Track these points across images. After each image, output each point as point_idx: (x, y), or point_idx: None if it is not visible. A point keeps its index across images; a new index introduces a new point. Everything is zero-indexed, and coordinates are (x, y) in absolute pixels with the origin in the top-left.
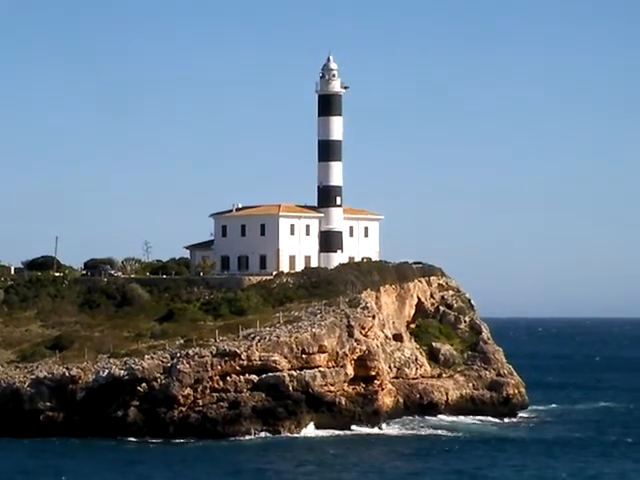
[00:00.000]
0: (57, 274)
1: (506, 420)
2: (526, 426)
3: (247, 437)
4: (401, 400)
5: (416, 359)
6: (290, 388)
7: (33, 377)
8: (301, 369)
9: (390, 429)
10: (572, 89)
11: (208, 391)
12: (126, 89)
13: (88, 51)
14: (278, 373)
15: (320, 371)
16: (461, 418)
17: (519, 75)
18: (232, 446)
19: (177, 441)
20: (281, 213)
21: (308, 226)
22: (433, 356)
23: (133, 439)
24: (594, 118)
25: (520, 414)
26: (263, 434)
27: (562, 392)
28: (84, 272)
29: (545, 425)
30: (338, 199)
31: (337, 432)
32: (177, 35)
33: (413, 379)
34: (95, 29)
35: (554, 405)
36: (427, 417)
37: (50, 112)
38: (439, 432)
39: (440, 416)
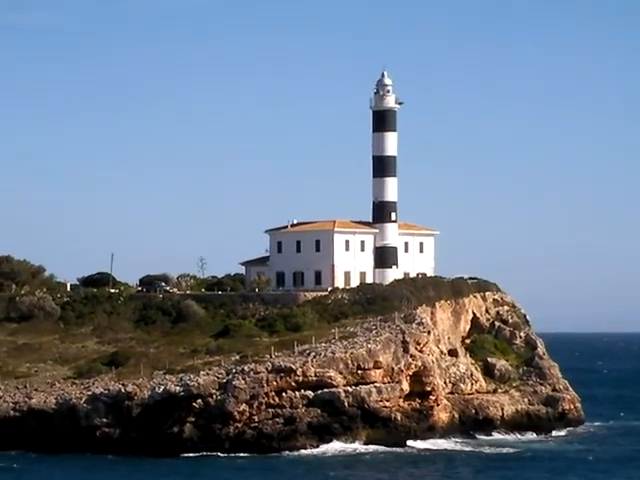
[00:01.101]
0: (113, 290)
1: (562, 434)
2: (584, 441)
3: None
4: (456, 415)
5: (471, 374)
6: (345, 404)
7: (89, 393)
8: (356, 385)
9: (446, 444)
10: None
11: (264, 407)
12: (191, 108)
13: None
14: (333, 389)
15: (375, 387)
16: (517, 435)
17: (579, 90)
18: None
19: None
20: (336, 229)
21: (363, 242)
22: (488, 371)
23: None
24: None
25: (576, 429)
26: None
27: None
28: (139, 288)
29: (607, 440)
30: (393, 215)
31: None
32: (230, 51)
33: (468, 394)
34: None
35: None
36: (483, 436)
37: (107, 128)
38: (500, 449)
39: (495, 434)
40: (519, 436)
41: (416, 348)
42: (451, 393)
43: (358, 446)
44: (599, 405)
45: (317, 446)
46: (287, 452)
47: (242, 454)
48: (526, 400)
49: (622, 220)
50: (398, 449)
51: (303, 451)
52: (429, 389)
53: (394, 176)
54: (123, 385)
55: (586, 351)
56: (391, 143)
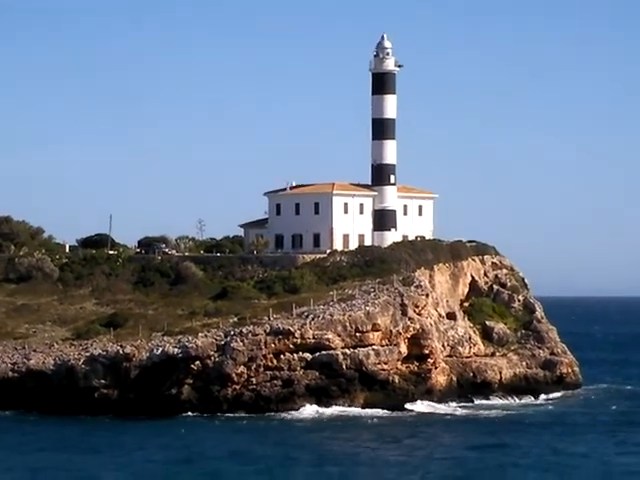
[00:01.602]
0: (111, 252)
1: (558, 397)
2: (583, 404)
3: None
4: (454, 379)
5: (469, 338)
6: (343, 366)
7: (88, 354)
8: (354, 347)
9: (445, 407)
10: None
11: (262, 369)
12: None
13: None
14: (332, 351)
15: (373, 349)
16: (515, 398)
17: (587, 54)
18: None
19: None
20: (335, 192)
21: (362, 204)
22: (487, 335)
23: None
24: None
25: (574, 392)
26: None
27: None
28: (138, 250)
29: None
30: (392, 177)
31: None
32: (234, 10)
33: (466, 358)
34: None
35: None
36: (482, 400)
37: (97, 87)
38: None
39: (494, 395)
40: (517, 400)
41: (414, 311)
42: (449, 356)
43: (356, 409)
44: (594, 368)
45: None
46: (284, 414)
47: (240, 414)
48: (524, 363)
49: (624, 181)
50: (398, 413)
51: (300, 413)
52: (427, 352)
53: (393, 139)
54: (121, 346)
55: (583, 314)
56: (390, 106)
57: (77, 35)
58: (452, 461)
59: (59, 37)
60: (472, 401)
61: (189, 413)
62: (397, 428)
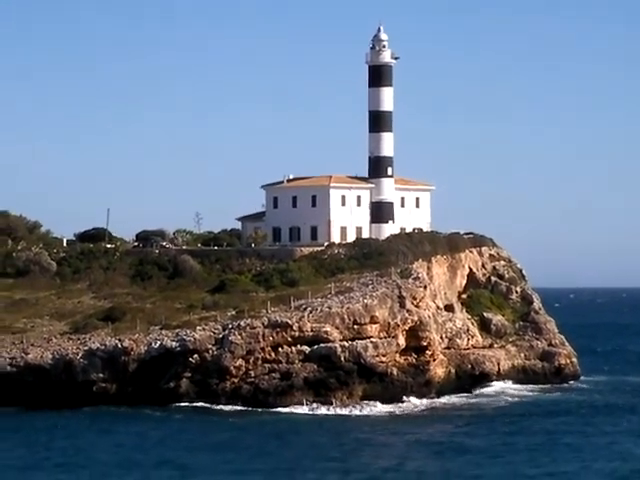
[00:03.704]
0: (109, 246)
1: (560, 386)
2: (583, 394)
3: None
4: (453, 371)
5: (468, 330)
6: (342, 359)
7: (86, 348)
8: (353, 340)
9: (443, 399)
10: None
11: (260, 362)
12: (181, 60)
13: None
14: (330, 344)
15: (372, 342)
16: (514, 386)
17: (581, 45)
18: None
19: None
20: (332, 184)
21: (359, 197)
22: (485, 326)
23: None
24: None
25: (572, 383)
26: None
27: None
28: (136, 244)
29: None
30: (389, 170)
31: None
32: (232, 4)
33: (465, 349)
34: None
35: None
36: (482, 386)
37: (93, 78)
38: (496, 401)
39: (494, 384)
40: (517, 390)
41: (412, 303)
42: (447, 348)
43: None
44: None
45: (313, 401)
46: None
47: (238, 407)
48: (522, 355)
49: (621, 176)
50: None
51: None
52: (425, 344)
53: (390, 131)
54: (119, 340)
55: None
56: (387, 98)
57: (79, 29)
58: None
59: (63, 30)
60: (470, 392)
61: (186, 404)
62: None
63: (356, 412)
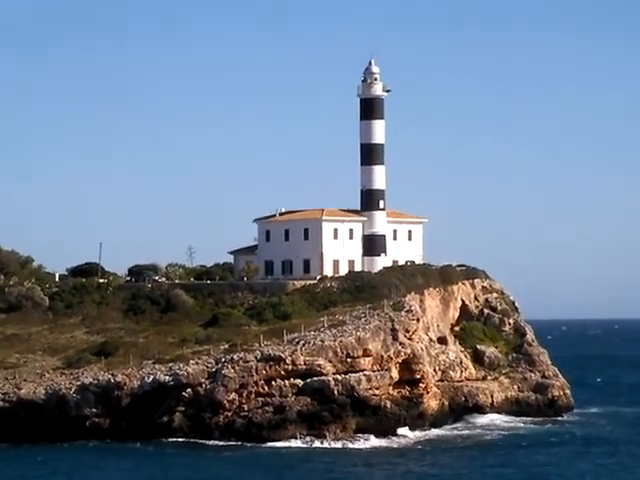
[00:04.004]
0: (101, 280)
1: (554, 419)
2: (575, 427)
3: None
4: (446, 403)
5: (461, 362)
6: (335, 392)
7: (79, 383)
8: (346, 373)
9: (436, 431)
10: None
11: (253, 396)
12: (177, 98)
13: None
14: (323, 377)
15: (365, 375)
16: (507, 418)
17: (576, 78)
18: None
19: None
20: (324, 217)
21: (351, 230)
22: (478, 359)
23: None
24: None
25: (566, 416)
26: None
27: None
28: (128, 278)
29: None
30: (381, 202)
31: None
32: (224, 38)
33: (458, 382)
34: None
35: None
36: (475, 418)
37: (87, 115)
38: (489, 434)
39: (486, 416)
40: (510, 420)
41: (405, 336)
42: (441, 380)
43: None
44: None
45: (307, 435)
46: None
47: (231, 442)
48: (516, 387)
49: (615, 207)
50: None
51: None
52: (419, 377)
53: (382, 164)
54: (112, 375)
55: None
56: (379, 131)
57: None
58: None
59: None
60: (466, 421)
61: (179, 439)
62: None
63: (350, 445)
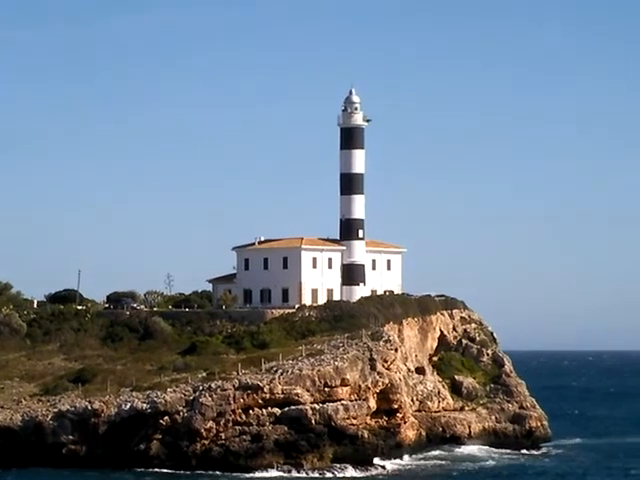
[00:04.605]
0: (80, 307)
1: (530, 452)
2: (552, 458)
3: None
4: (424, 433)
5: (439, 392)
6: (313, 421)
7: (56, 410)
8: (324, 402)
9: (413, 462)
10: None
11: (231, 424)
12: (150, 125)
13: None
14: (301, 406)
15: (343, 404)
16: (485, 449)
17: (556, 108)
18: None
19: (198, 472)
20: (303, 246)
21: (330, 259)
22: (456, 389)
23: (155, 470)
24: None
25: (543, 447)
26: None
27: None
28: (107, 305)
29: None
30: (360, 232)
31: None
32: (199, 66)
33: (436, 412)
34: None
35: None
36: (452, 448)
37: (69, 139)
38: (466, 465)
39: (464, 447)
40: (487, 451)
41: (383, 366)
42: (418, 411)
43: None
44: None
45: (284, 464)
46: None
47: (210, 472)
48: (493, 418)
49: (591, 238)
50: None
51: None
52: (396, 407)
53: (362, 193)
54: (90, 402)
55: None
56: (359, 160)
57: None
58: None
59: None
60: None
61: (156, 469)
62: None
63: (328, 475)
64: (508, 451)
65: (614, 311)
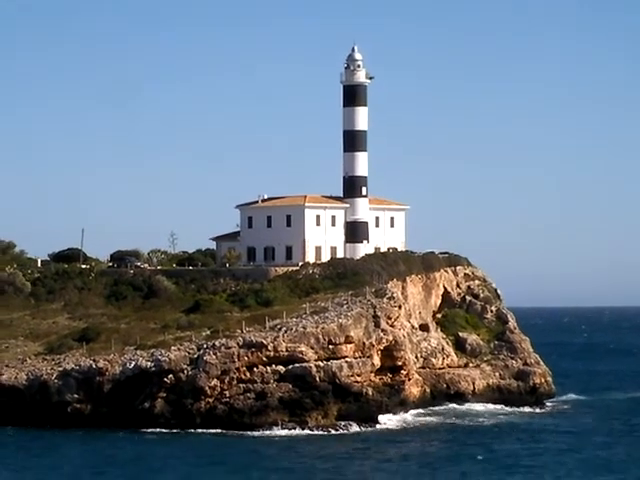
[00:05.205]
0: (84, 266)
1: (535, 409)
2: (556, 414)
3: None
4: (428, 390)
5: (443, 349)
6: (317, 379)
7: (60, 369)
8: (328, 360)
9: (418, 418)
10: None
11: (235, 382)
12: (151, 82)
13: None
14: (305, 364)
15: (347, 362)
16: (489, 406)
17: (551, 70)
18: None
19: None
20: (307, 204)
21: (334, 217)
22: (460, 346)
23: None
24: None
25: (547, 403)
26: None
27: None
28: (110, 264)
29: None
30: (364, 189)
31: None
32: (201, 23)
33: (440, 369)
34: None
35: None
36: (455, 405)
37: (69, 100)
38: (470, 421)
39: (468, 404)
40: (491, 408)
41: (387, 323)
42: (422, 368)
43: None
44: None
45: (288, 421)
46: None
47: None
48: (497, 374)
49: (597, 194)
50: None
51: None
52: (400, 364)
53: (365, 151)
54: (94, 361)
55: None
56: (362, 118)
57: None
58: None
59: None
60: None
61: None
62: None
63: (333, 432)
64: (510, 409)
65: (616, 268)
